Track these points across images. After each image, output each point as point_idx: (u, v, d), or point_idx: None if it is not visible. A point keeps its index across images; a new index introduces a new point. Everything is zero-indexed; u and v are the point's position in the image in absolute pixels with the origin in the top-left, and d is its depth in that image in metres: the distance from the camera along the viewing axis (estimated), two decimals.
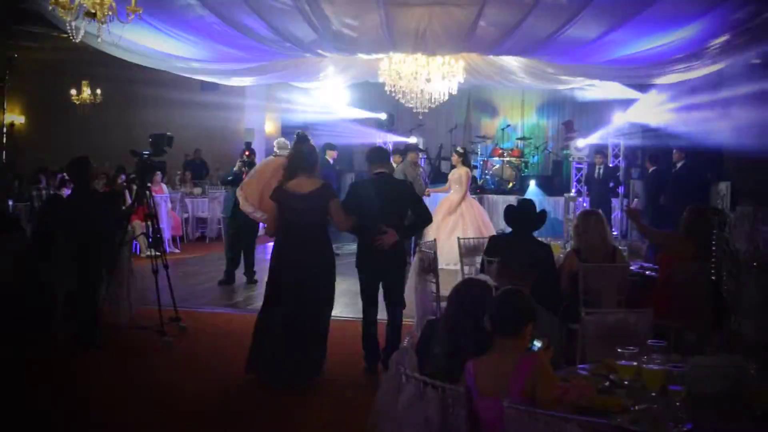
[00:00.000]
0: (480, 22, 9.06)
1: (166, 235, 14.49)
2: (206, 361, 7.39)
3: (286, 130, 20.00)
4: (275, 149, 9.84)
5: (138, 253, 13.93)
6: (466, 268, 8.15)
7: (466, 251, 8.21)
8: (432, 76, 11.86)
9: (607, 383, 3.59)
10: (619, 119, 17.32)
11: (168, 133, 8.44)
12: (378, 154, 7.19)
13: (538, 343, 3.49)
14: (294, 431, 5.65)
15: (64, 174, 13.00)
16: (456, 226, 12.54)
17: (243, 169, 10.91)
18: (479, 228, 12.65)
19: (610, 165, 16.59)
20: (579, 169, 17.64)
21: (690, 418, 3.09)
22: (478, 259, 7.79)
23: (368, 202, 6.69)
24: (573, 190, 17.37)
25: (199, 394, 6.38)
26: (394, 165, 14.91)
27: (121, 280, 8.31)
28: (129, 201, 14.16)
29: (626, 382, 3.50)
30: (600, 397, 3.38)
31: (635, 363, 3.45)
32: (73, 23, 6.72)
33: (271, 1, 8.55)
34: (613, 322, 4.47)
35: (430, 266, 7.09)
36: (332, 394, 6.38)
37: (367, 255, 6.84)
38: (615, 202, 16.44)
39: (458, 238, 8.42)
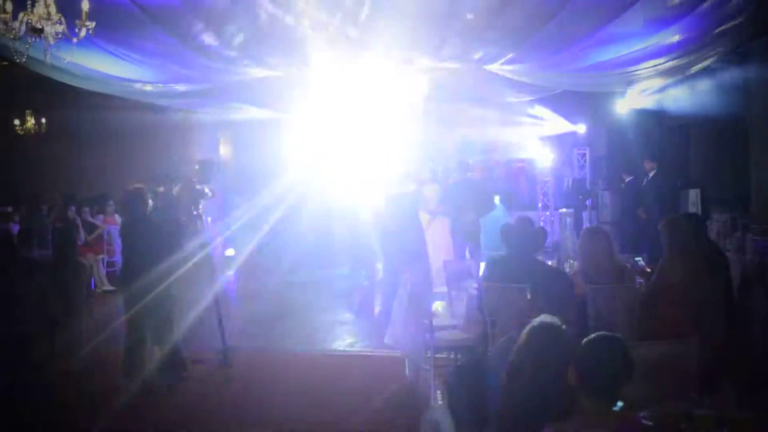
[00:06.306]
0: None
1: None
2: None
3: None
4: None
5: (93, 288, 13.19)
6: (453, 293, 7.59)
7: (453, 276, 7.63)
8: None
9: None
10: (582, 127, 17.06)
11: (216, 160, 7.82)
12: (462, 167, 11.47)
13: (620, 403, 2.84)
14: None
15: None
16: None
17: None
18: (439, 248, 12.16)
19: (576, 177, 16.18)
20: (545, 182, 17.16)
21: None
22: (466, 285, 7.26)
23: (458, 195, 10.65)
24: (540, 204, 16.96)
25: None
26: None
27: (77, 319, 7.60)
28: (81, 232, 13.45)
29: None
30: None
31: (714, 411, 2.93)
32: (16, 43, 6.04)
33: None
34: (657, 355, 3.90)
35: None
36: None
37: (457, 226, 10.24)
38: (584, 215, 16.03)
39: (444, 262, 7.89)
